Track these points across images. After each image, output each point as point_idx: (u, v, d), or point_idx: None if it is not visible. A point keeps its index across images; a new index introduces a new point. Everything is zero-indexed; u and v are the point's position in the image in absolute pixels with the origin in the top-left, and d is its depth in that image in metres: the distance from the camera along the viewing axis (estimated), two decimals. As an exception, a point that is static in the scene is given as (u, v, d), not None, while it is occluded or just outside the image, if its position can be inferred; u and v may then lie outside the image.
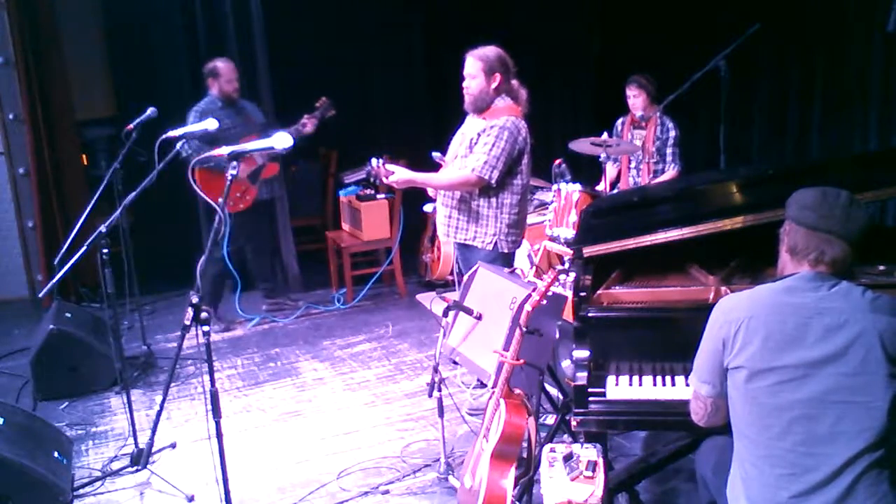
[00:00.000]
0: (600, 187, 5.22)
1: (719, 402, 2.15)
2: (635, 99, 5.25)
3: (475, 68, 3.69)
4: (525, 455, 2.97)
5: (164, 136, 3.79)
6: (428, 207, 5.57)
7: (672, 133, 5.22)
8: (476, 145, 3.69)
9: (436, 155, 4.57)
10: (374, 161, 3.82)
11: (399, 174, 3.80)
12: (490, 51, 3.72)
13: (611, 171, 5.48)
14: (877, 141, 5.10)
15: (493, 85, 3.69)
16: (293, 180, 6.48)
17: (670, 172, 5.26)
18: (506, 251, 3.79)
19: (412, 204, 5.85)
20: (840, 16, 5.23)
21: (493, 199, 3.74)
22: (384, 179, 3.82)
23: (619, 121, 5.50)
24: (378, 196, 5.86)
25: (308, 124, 5.09)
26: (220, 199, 2.87)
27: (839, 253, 2.01)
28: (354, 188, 5.96)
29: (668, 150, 5.24)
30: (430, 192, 4.04)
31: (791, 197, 2.11)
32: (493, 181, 3.66)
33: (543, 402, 3.56)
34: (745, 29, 4.63)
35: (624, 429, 3.45)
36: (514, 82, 3.78)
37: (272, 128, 5.20)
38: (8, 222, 5.92)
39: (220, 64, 5.15)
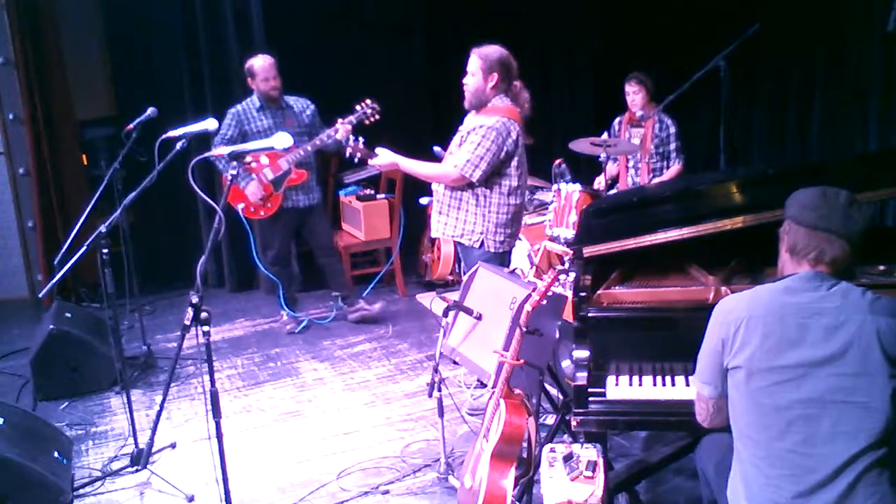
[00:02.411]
0: (599, 180, 5.22)
1: (721, 403, 2.16)
2: (635, 95, 5.26)
3: (475, 65, 3.74)
4: (525, 455, 2.97)
5: (164, 136, 3.78)
6: (424, 200, 5.56)
7: (672, 130, 5.24)
8: (464, 143, 3.75)
9: (437, 149, 4.58)
10: (350, 139, 4.03)
11: (383, 157, 3.96)
12: (493, 50, 3.75)
13: (612, 169, 5.48)
14: (877, 141, 5.10)
15: (490, 84, 3.72)
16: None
17: (674, 168, 5.27)
18: (492, 251, 3.81)
19: (412, 203, 5.85)
20: (840, 16, 5.23)
21: (481, 198, 3.78)
22: (369, 162, 4.00)
23: (617, 120, 5.51)
24: (378, 196, 5.86)
25: (339, 129, 4.69)
26: (221, 200, 2.86)
27: (839, 252, 2.01)
28: (354, 188, 5.96)
29: (672, 147, 5.25)
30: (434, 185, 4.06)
31: (791, 196, 2.11)
32: (474, 179, 3.70)
33: (543, 402, 3.57)
34: (745, 29, 4.63)
35: (624, 429, 3.45)
36: (517, 84, 3.81)
37: (320, 129, 4.95)
38: (8, 222, 5.92)
39: (256, 62, 4.90)
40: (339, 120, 4.77)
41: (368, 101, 4.78)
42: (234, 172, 2.96)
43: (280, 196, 4.98)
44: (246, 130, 4.91)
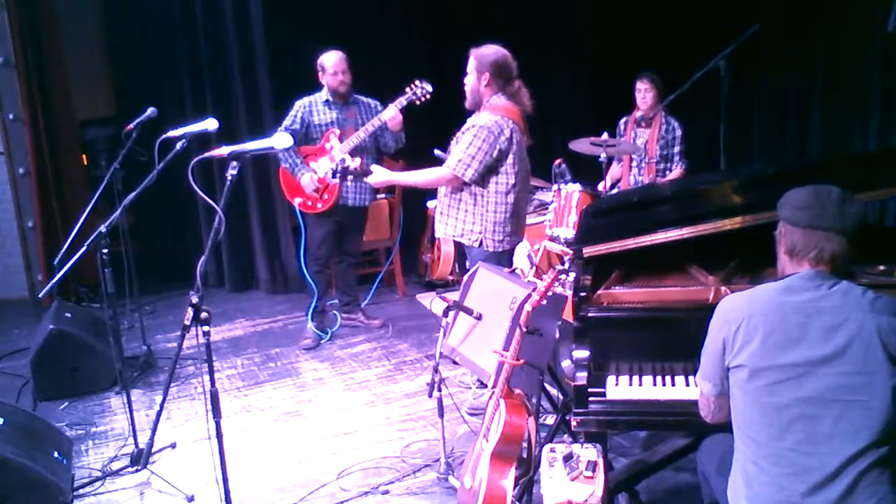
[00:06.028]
0: (601, 186, 5.22)
1: (722, 401, 2.16)
2: (647, 93, 5.25)
3: (471, 65, 3.83)
4: (525, 455, 2.97)
5: (164, 136, 3.78)
6: (432, 203, 5.57)
7: (678, 132, 5.24)
8: (458, 143, 3.80)
9: (438, 153, 4.58)
10: (348, 160, 4.27)
11: (378, 174, 4.06)
12: (487, 49, 3.81)
13: (615, 170, 5.48)
14: (877, 141, 5.10)
15: (483, 83, 3.79)
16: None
17: (677, 171, 5.27)
18: (491, 250, 3.84)
19: (412, 203, 5.85)
20: (840, 16, 5.24)
21: (478, 197, 3.83)
22: (365, 180, 4.14)
23: (623, 119, 5.50)
24: (378, 196, 5.86)
25: (389, 109, 4.60)
26: (221, 201, 2.85)
27: (838, 248, 2.01)
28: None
29: (676, 150, 5.25)
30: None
31: (783, 199, 2.12)
32: (466, 178, 3.76)
33: (543, 402, 3.57)
34: (745, 29, 4.63)
35: (624, 429, 3.45)
36: (517, 82, 3.84)
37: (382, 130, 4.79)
38: (8, 222, 5.92)
39: (326, 57, 4.77)
40: (391, 104, 4.64)
41: (418, 82, 4.60)
42: (234, 172, 2.95)
43: (337, 188, 4.80)
44: (309, 122, 4.81)
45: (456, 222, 3.91)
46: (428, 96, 4.60)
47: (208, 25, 5.84)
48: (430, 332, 5.14)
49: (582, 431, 2.70)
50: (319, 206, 4.86)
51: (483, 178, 3.78)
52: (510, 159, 3.78)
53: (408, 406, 4.21)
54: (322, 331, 5.16)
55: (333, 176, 4.69)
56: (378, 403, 4.26)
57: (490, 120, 3.74)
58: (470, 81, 3.83)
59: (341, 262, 5.27)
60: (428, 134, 6.47)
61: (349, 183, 4.77)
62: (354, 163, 4.24)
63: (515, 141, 3.78)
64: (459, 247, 4.03)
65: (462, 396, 4.15)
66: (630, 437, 3.64)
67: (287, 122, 4.84)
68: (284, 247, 6.12)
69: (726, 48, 4.66)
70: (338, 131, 4.80)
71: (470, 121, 3.86)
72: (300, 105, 4.86)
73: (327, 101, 4.85)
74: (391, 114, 4.63)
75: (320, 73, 4.83)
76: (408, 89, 4.62)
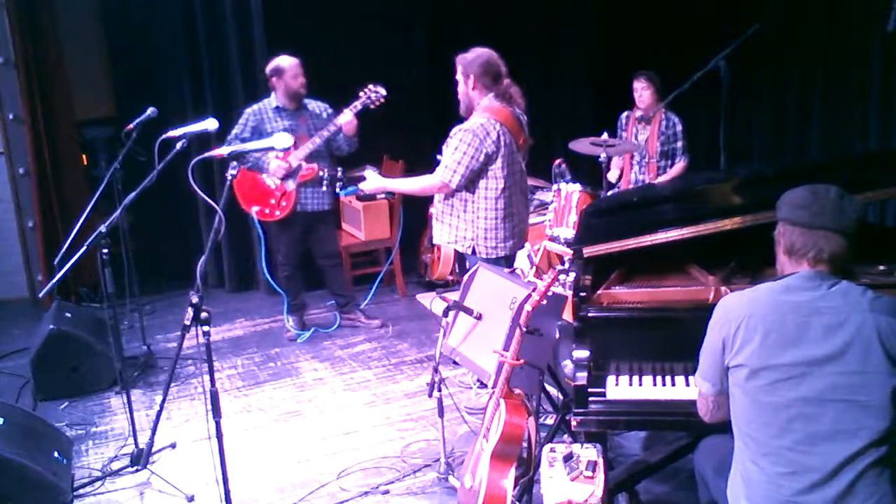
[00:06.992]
0: (610, 175, 5.17)
1: (721, 400, 2.17)
2: (643, 92, 5.25)
3: (458, 72, 3.80)
4: (525, 455, 2.98)
5: (164, 136, 3.78)
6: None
7: (679, 128, 5.24)
8: (446, 148, 3.76)
9: (440, 157, 4.59)
10: (338, 171, 4.42)
11: (371, 181, 4.07)
12: (471, 53, 3.77)
13: (618, 164, 5.47)
14: (877, 141, 5.10)
15: (471, 86, 3.76)
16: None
17: (679, 165, 5.27)
18: (484, 256, 3.76)
19: (412, 204, 5.85)
20: (840, 16, 5.23)
21: (468, 204, 3.78)
22: (358, 185, 4.17)
23: (624, 115, 5.50)
24: (378, 196, 5.85)
25: (344, 113, 4.64)
26: (222, 201, 2.85)
27: (836, 247, 2.01)
28: (354, 188, 5.94)
29: (678, 145, 5.25)
30: None
31: (781, 199, 2.12)
32: (453, 185, 3.70)
33: (543, 402, 3.57)
34: (745, 29, 4.63)
35: (624, 429, 3.46)
36: (506, 81, 3.79)
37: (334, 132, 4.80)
38: (8, 222, 5.91)
39: (283, 61, 4.75)
40: (345, 108, 4.71)
41: (371, 86, 4.66)
42: (234, 172, 2.96)
43: (293, 194, 4.81)
44: (262, 130, 4.77)
45: (450, 229, 3.86)
46: (382, 100, 4.66)
47: (208, 25, 5.84)
48: (430, 332, 5.14)
49: (582, 431, 2.70)
50: (277, 213, 4.85)
51: (472, 184, 3.72)
52: (499, 162, 3.70)
53: (408, 406, 4.21)
54: (301, 330, 5.21)
55: (323, 185, 4.67)
56: (378, 403, 4.26)
57: (475, 123, 3.67)
58: (460, 88, 3.80)
59: (320, 261, 5.26)
60: (429, 137, 6.49)
61: (339, 190, 4.73)
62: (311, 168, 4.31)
63: (504, 143, 3.69)
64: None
65: (462, 396, 4.16)
66: (630, 437, 3.64)
67: (237, 129, 4.79)
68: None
69: (726, 48, 4.66)
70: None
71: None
72: (250, 113, 4.81)
73: (277, 108, 4.81)
74: (347, 118, 4.67)
75: (275, 79, 4.77)
76: (362, 94, 4.67)
